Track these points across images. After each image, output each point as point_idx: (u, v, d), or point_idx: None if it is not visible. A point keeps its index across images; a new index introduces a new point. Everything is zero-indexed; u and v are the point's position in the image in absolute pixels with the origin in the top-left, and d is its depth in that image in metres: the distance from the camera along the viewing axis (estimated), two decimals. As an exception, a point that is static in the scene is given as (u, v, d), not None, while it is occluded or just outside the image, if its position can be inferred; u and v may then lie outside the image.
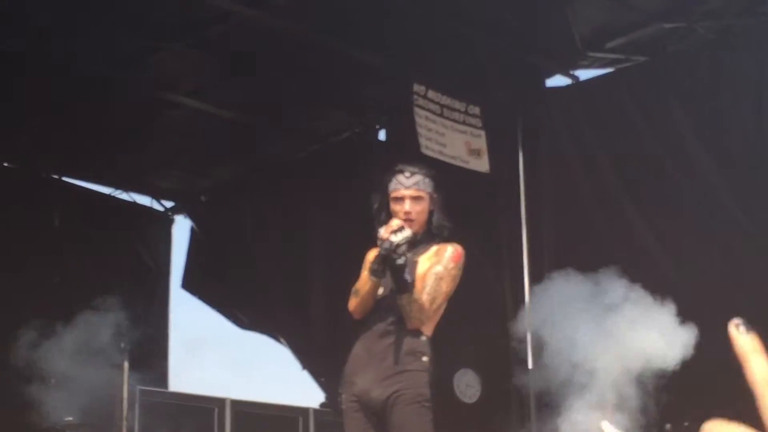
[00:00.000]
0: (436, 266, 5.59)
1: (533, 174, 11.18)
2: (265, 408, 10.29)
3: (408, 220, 5.61)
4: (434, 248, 5.68)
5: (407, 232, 5.43)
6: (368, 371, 5.60)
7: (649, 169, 10.52)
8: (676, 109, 10.24)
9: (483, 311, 11.45)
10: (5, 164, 13.05)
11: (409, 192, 5.72)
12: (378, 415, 5.55)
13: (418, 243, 5.69)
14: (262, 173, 13.36)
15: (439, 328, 12.43)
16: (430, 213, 5.78)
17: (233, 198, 13.90)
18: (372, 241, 5.65)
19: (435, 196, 5.80)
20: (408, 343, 5.57)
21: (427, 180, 5.81)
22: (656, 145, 10.40)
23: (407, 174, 5.78)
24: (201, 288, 14.36)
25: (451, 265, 5.65)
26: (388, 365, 5.57)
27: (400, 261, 5.29)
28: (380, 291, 5.53)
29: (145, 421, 9.10)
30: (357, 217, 12.61)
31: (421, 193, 5.75)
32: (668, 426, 9.64)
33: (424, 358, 5.57)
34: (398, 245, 5.36)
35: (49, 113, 11.53)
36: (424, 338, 5.62)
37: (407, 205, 5.67)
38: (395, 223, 5.50)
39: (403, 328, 5.60)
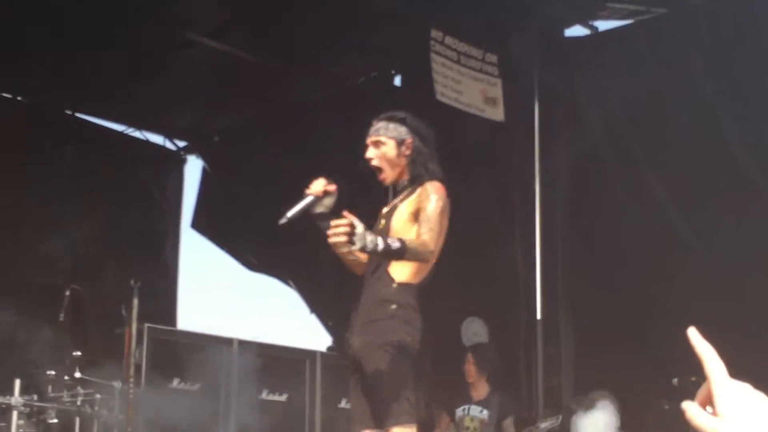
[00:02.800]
0: (428, 206, 5.49)
1: (548, 124, 11.11)
2: (273, 349, 10.29)
3: (375, 167, 5.60)
4: (417, 191, 5.58)
5: (323, 199, 5.57)
6: (355, 328, 5.56)
7: (667, 122, 10.45)
8: (695, 61, 10.15)
9: (492, 259, 11.44)
10: (19, 99, 13.02)
11: (370, 139, 5.71)
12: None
13: (401, 189, 5.71)
14: (277, 115, 13.32)
15: (445, 276, 12.42)
16: (410, 159, 5.66)
17: (246, 139, 13.87)
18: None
19: (410, 140, 5.69)
20: (379, 292, 5.45)
21: (391, 125, 5.72)
22: (674, 99, 10.32)
23: (373, 122, 5.75)
24: (211, 229, 14.39)
25: (436, 197, 5.54)
26: (363, 319, 5.50)
27: (359, 245, 5.00)
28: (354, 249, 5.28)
29: (153, 359, 9.11)
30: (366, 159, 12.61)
31: (380, 138, 5.68)
32: (675, 380, 9.65)
33: (393, 306, 5.40)
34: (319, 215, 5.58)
35: (65, 49, 11.47)
36: (394, 285, 5.46)
37: (367, 152, 5.66)
38: (314, 187, 5.57)
39: (379, 278, 5.48)
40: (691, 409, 1.48)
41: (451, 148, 12.43)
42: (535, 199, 10.61)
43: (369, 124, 5.78)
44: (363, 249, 5.06)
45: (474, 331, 12.23)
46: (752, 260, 10.05)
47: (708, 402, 1.49)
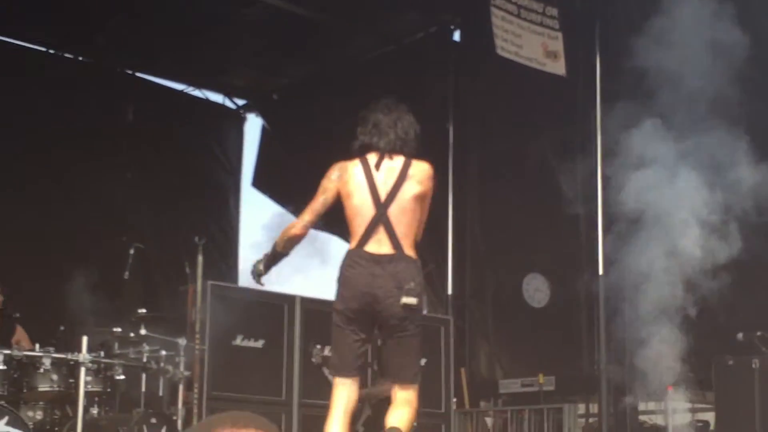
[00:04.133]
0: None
1: (610, 78, 10.99)
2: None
3: None
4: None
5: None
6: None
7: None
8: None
9: (554, 216, 11.38)
10: (80, 59, 13.11)
11: None
12: None
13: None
14: (335, 73, 13.31)
15: (509, 234, 12.43)
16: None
17: (305, 97, 13.88)
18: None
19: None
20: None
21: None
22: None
23: None
24: (271, 186, 14.44)
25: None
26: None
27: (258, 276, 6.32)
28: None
29: (215, 315, 9.17)
30: (429, 116, 12.59)
31: None
32: (740, 335, 9.58)
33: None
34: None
35: (125, 10, 11.53)
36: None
37: None
38: None
39: None
40: None
41: (513, 103, 12.41)
42: (597, 153, 10.52)
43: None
44: (262, 274, 6.20)
45: (535, 286, 12.21)
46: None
47: None
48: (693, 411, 12.98)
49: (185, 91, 14.26)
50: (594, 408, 11.80)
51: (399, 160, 6.01)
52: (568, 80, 10.79)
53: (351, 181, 6.01)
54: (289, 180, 14.00)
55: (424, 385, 10.84)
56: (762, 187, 9.62)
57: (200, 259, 7.77)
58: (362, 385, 6.07)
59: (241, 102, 14.91)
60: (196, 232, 8.26)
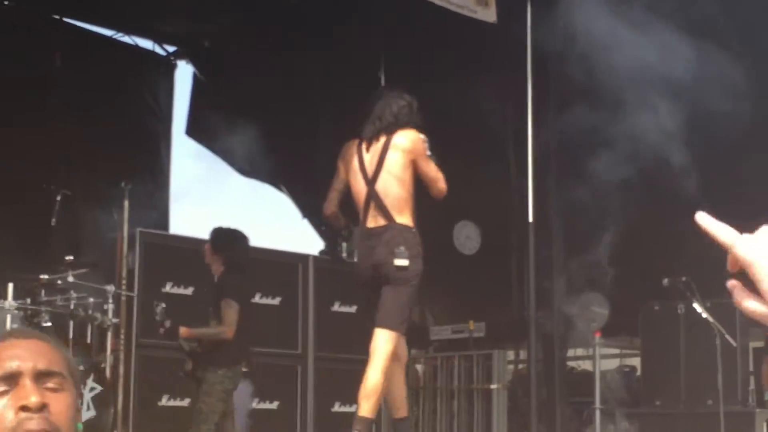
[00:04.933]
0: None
1: (541, 25, 11.01)
2: (265, 253, 10.32)
3: None
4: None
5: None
6: None
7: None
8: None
9: (485, 164, 11.43)
10: (6, 3, 12.87)
11: None
12: None
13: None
14: (266, 19, 13.19)
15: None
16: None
17: (237, 44, 13.76)
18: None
19: None
20: None
21: None
22: None
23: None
24: (204, 134, 14.34)
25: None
26: None
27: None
28: None
29: (145, 262, 9.14)
30: (358, 60, 12.55)
31: None
32: (665, 281, 9.71)
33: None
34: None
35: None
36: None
37: None
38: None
39: None
40: (743, 303, 1.41)
41: (444, 54, 12.40)
42: (528, 103, 10.55)
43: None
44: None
45: (465, 234, 12.28)
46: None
47: (736, 265, 1.42)
48: (621, 356, 13.19)
49: (114, 37, 14.06)
50: (523, 354, 11.94)
51: (383, 139, 6.52)
52: (499, 27, 10.78)
53: (348, 163, 6.56)
54: (223, 128, 13.91)
55: (355, 333, 10.96)
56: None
57: (126, 204, 7.72)
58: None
59: (171, 49, 14.74)
60: (124, 179, 8.20)
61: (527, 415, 10.64)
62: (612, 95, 10.81)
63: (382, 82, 12.63)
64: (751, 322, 9.16)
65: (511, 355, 12.19)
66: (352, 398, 10.92)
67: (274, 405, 10.21)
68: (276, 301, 10.36)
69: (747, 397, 10.35)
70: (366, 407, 6.42)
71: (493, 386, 11.25)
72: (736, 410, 9.71)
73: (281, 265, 10.47)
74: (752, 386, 10.81)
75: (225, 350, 7.69)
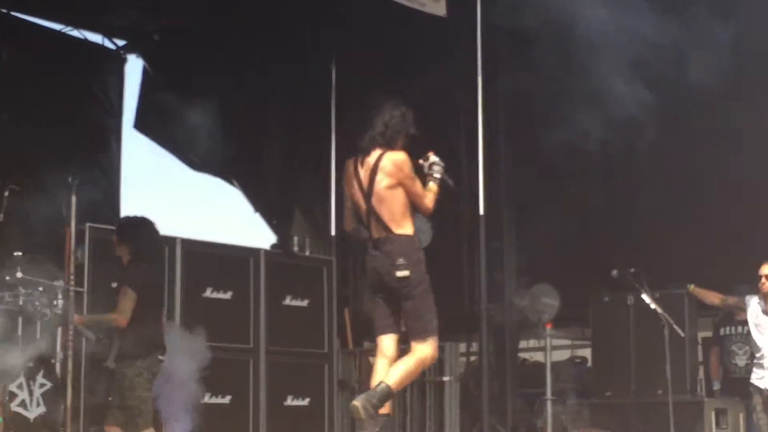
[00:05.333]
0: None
1: (490, 19, 11.05)
2: (216, 248, 10.31)
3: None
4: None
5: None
6: None
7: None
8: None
9: (435, 155, 11.42)
10: (-50, -3, 12.74)
11: None
12: None
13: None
14: (217, 13, 13.14)
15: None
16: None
17: (187, 38, 13.68)
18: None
19: None
20: None
21: None
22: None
23: None
24: (153, 128, 14.25)
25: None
26: None
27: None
28: None
29: (95, 257, 9.09)
30: (308, 54, 12.53)
31: None
32: (614, 272, 9.79)
33: None
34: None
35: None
36: None
37: None
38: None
39: None
40: None
41: (395, 45, 12.42)
42: (478, 93, 10.59)
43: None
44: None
45: (417, 227, 12.28)
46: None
47: None
48: (572, 347, 13.27)
49: (63, 31, 13.94)
50: (475, 346, 11.98)
51: (375, 155, 6.80)
52: (449, 21, 10.82)
53: (349, 182, 6.96)
54: (172, 122, 13.84)
55: (307, 326, 10.97)
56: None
57: (74, 199, 7.65)
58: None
59: (121, 43, 14.64)
60: (73, 174, 8.13)
61: (479, 407, 10.69)
62: (562, 88, 10.88)
63: (333, 76, 12.65)
64: (699, 313, 9.23)
65: (463, 347, 12.23)
66: (305, 391, 10.97)
67: (227, 399, 10.19)
68: (227, 295, 10.32)
69: (696, 387, 10.46)
70: (392, 378, 6.61)
71: (445, 379, 11.29)
72: (685, 400, 9.80)
73: (233, 260, 10.44)
74: (701, 376, 10.93)
75: (136, 341, 7.58)
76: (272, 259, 10.76)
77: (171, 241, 9.86)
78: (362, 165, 6.88)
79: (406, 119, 7.02)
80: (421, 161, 6.97)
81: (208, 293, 10.08)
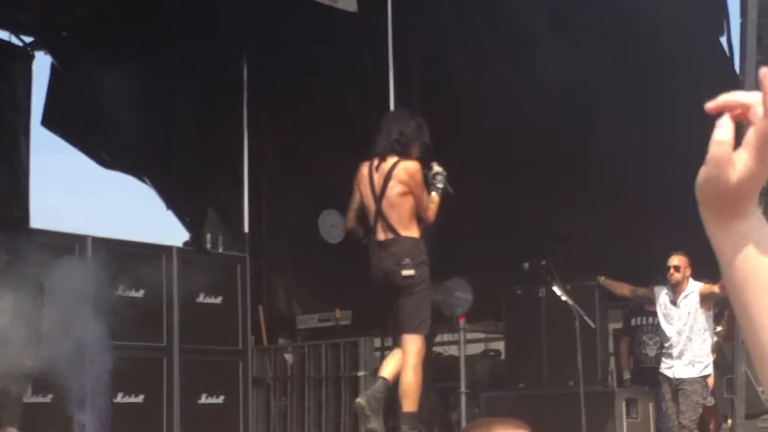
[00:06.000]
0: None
1: (401, 16, 11.09)
2: (127, 245, 10.21)
3: None
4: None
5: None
6: None
7: (522, 23, 10.58)
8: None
9: (348, 152, 11.45)
10: None
11: None
12: None
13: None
14: (124, 8, 13.01)
15: (305, 170, 12.49)
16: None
17: (96, 34, 13.53)
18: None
19: None
20: None
21: None
22: None
23: None
24: (62, 125, 14.08)
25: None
26: None
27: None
28: None
29: (7, 259, 8.96)
30: (219, 50, 12.47)
31: None
32: (526, 265, 9.88)
33: None
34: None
35: None
36: None
37: None
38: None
39: None
40: (723, 124, 1.27)
41: (307, 43, 12.40)
42: (390, 88, 10.62)
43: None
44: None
45: (331, 222, 12.30)
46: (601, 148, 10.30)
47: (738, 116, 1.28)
48: (486, 341, 13.38)
49: (-33, 27, 13.71)
50: (390, 341, 12.02)
51: (391, 161, 7.34)
52: (360, 17, 10.84)
53: (361, 182, 7.51)
54: (81, 120, 13.69)
55: (221, 323, 10.92)
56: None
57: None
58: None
59: (28, 39, 14.42)
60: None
61: (394, 402, 10.72)
62: (474, 82, 10.97)
63: (245, 71, 12.60)
64: (609, 304, 9.38)
65: (378, 342, 12.26)
66: (219, 389, 10.91)
67: (140, 398, 10.11)
68: (139, 293, 10.21)
69: (607, 378, 10.60)
70: (408, 403, 7.24)
71: (361, 374, 11.30)
72: (596, 390, 9.94)
73: (144, 257, 10.34)
74: (612, 367, 11.08)
75: None
76: (185, 256, 10.69)
77: (81, 239, 9.75)
78: (377, 170, 7.40)
79: (421, 129, 7.50)
80: (426, 171, 7.46)
81: (120, 291, 9.97)
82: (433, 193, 7.49)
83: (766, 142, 1.26)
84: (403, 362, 7.25)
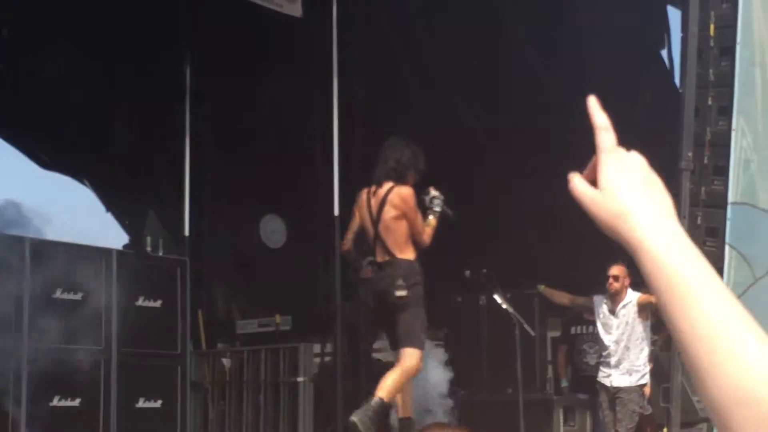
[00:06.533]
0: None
1: (347, 22, 11.10)
2: (66, 248, 10.12)
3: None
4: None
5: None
6: None
7: (463, 33, 10.62)
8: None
9: (290, 158, 11.46)
10: None
11: None
12: None
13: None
14: (67, 7, 12.90)
15: (246, 175, 12.43)
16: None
17: (36, 34, 13.40)
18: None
19: None
20: None
21: None
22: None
23: None
24: (1, 126, 13.93)
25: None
26: None
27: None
28: None
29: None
30: (162, 55, 12.40)
31: None
32: (467, 273, 9.91)
33: None
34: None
35: None
36: None
37: None
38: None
39: None
40: (574, 179, 1.45)
41: (251, 43, 12.37)
42: (333, 94, 10.62)
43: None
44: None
45: (272, 228, 12.28)
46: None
47: (594, 176, 1.44)
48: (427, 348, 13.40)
49: None
50: (330, 347, 12.00)
51: (386, 187, 7.74)
52: (305, 22, 10.83)
53: (360, 208, 7.92)
54: (20, 120, 13.55)
55: (160, 327, 10.85)
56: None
57: None
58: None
59: (-33, 38, 14.25)
60: None
61: (333, 407, 10.71)
62: (417, 90, 10.99)
63: (188, 75, 12.53)
64: (549, 312, 9.46)
65: (317, 348, 12.24)
66: (157, 393, 10.84)
67: (77, 402, 10.01)
68: (78, 296, 10.10)
69: (545, 385, 10.66)
70: (381, 390, 7.52)
71: (300, 379, 11.29)
72: (535, 398, 9.99)
73: (84, 260, 10.24)
74: (550, 375, 11.15)
75: None
76: (125, 259, 10.61)
77: (19, 241, 9.65)
78: (374, 195, 7.79)
79: (416, 157, 7.89)
80: (423, 196, 7.86)
81: (59, 294, 9.87)
82: (430, 217, 7.92)
83: (615, 150, 1.41)
84: (393, 372, 7.69)
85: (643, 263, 1.35)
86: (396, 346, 7.96)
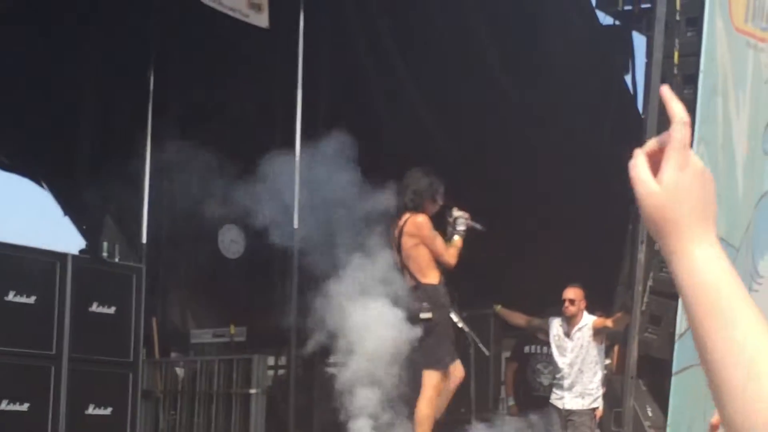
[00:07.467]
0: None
1: (313, 31, 11.09)
2: (20, 250, 10.01)
3: None
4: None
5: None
6: None
7: (427, 34, 10.63)
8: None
9: (251, 167, 11.40)
10: None
11: None
12: None
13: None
14: (31, 10, 12.81)
15: (206, 183, 12.38)
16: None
17: (5, 25, 13.30)
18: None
19: None
20: None
21: None
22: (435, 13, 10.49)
23: None
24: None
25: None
26: None
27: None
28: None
29: None
30: (127, 59, 12.34)
31: None
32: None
33: None
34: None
35: None
36: None
37: None
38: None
39: None
40: (638, 159, 1.39)
41: (215, 52, 12.33)
42: (297, 106, 10.60)
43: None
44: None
45: (231, 238, 12.23)
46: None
47: (655, 158, 1.39)
48: (380, 364, 13.36)
49: None
50: (284, 359, 11.97)
51: (404, 218, 8.21)
52: (272, 33, 10.81)
53: (391, 241, 8.26)
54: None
55: (113, 334, 10.76)
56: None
57: None
58: None
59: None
60: None
61: (285, 421, 10.66)
62: (383, 100, 10.99)
63: (151, 82, 12.47)
64: (504, 333, 9.50)
65: (271, 360, 12.20)
66: (107, 401, 10.74)
67: (24, 407, 9.90)
68: (31, 299, 10.00)
69: (498, 405, 10.66)
70: (420, 427, 8.17)
71: (253, 391, 11.23)
72: (487, 418, 9.98)
73: (38, 263, 10.15)
74: (503, 395, 11.15)
75: None
76: (80, 264, 10.51)
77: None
78: (396, 227, 8.25)
79: (432, 187, 8.30)
80: (447, 217, 8.29)
81: (11, 297, 9.76)
82: (456, 237, 8.31)
83: (686, 148, 1.37)
84: (421, 394, 8.23)
85: (679, 273, 1.35)
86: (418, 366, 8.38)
